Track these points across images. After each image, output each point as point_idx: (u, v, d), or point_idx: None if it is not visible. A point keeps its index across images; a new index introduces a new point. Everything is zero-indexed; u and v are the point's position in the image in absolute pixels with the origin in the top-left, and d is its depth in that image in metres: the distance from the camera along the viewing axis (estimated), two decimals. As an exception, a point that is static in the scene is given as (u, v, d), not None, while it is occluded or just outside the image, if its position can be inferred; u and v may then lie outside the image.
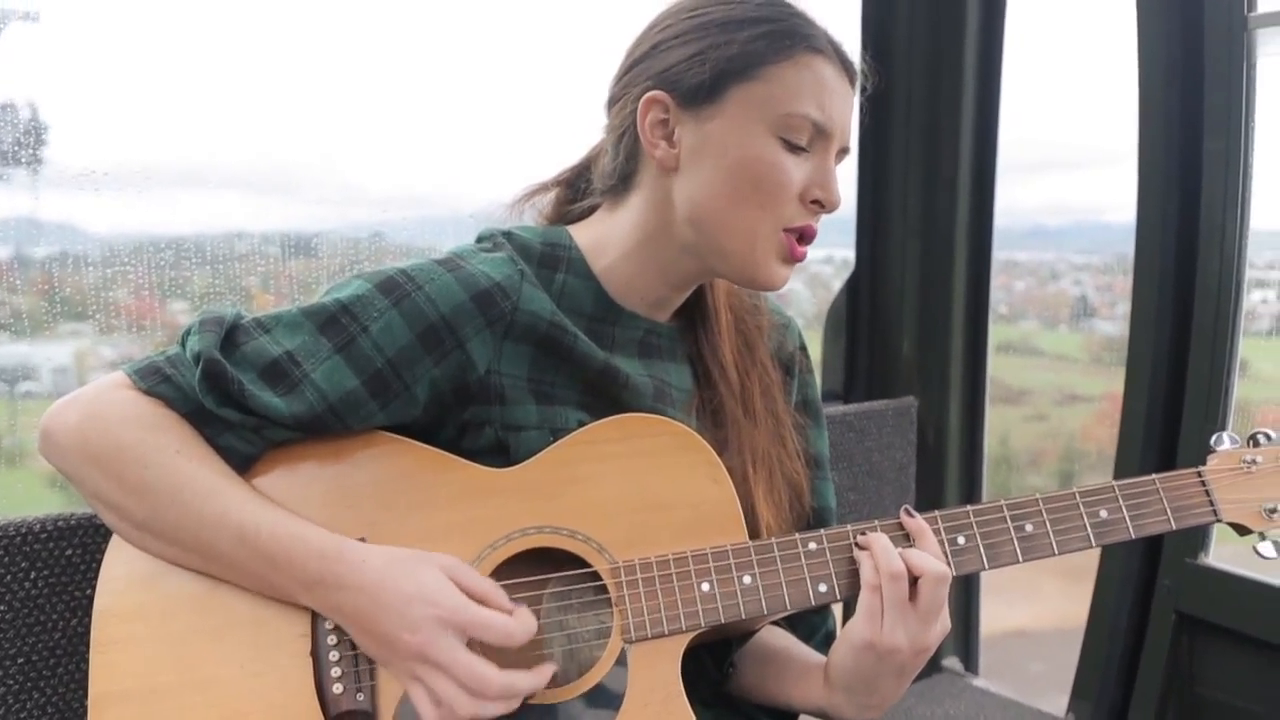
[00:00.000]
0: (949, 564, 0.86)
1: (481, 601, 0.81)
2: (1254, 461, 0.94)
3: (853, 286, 1.95)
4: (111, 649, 0.82)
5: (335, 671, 0.81)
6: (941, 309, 1.87)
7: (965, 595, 1.90)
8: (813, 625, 1.06)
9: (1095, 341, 2.10)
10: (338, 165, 1.49)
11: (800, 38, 0.89)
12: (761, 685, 0.98)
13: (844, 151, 0.93)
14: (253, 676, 0.81)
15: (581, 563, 0.87)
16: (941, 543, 0.88)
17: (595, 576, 0.87)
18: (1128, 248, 2.08)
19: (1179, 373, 1.54)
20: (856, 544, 0.88)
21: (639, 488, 0.89)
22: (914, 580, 0.84)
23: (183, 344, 0.86)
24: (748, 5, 0.90)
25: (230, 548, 0.81)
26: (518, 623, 0.81)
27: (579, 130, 1.54)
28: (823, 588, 0.87)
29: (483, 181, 1.58)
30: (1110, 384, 1.99)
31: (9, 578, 0.98)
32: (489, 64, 1.54)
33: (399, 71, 1.48)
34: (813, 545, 0.88)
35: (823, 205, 0.91)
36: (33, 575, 0.99)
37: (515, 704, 0.80)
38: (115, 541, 0.86)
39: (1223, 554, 1.51)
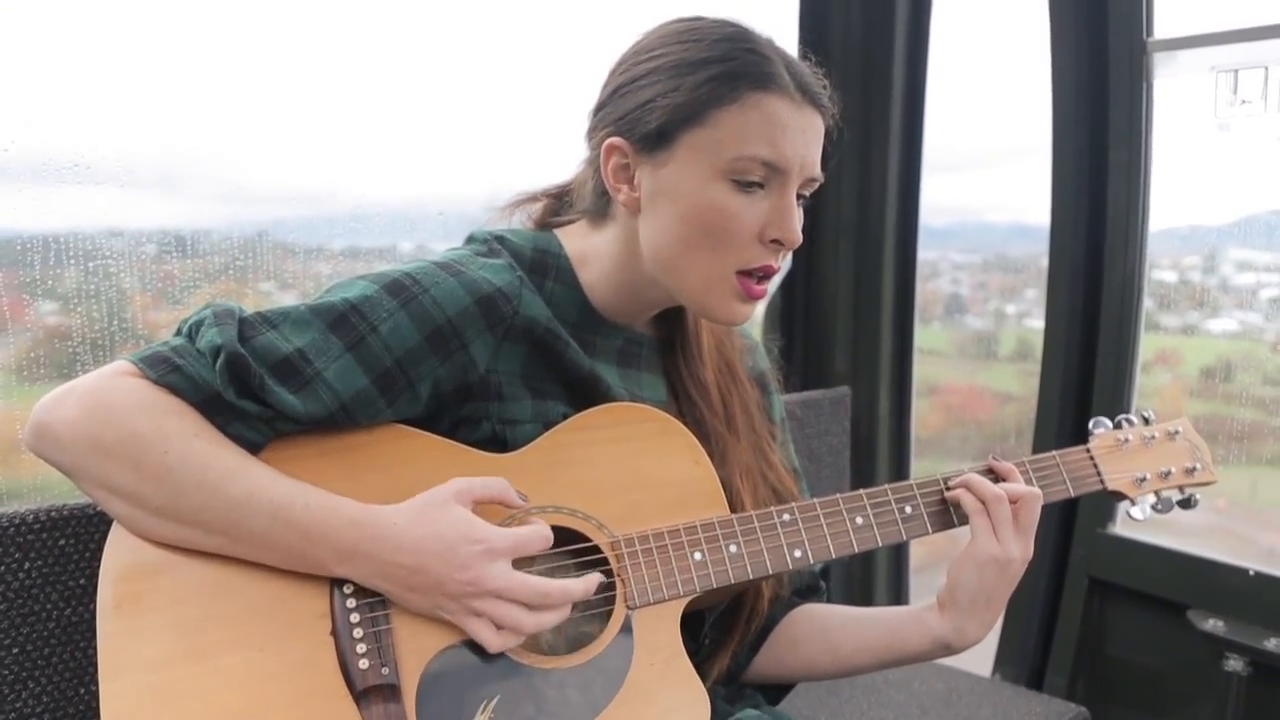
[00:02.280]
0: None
1: (500, 500, 0.88)
2: (1126, 440, 1.10)
3: (788, 285, 2.06)
4: (121, 639, 0.80)
5: (360, 648, 0.83)
6: (871, 305, 1.99)
7: (896, 569, 2.04)
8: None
9: (963, 337, 2.24)
10: (221, 160, 1.42)
11: (749, 78, 0.90)
12: (861, 648, 1.05)
13: (812, 181, 0.94)
14: (274, 660, 0.82)
15: (571, 541, 0.93)
16: (1028, 478, 1.04)
17: (576, 555, 0.93)
18: (1006, 247, 2.25)
19: (1088, 363, 1.70)
20: (948, 487, 1.01)
21: (629, 469, 0.96)
22: (1013, 503, 0.98)
23: (189, 336, 0.87)
24: (702, 44, 0.91)
25: (262, 525, 0.82)
26: (543, 526, 0.87)
27: (472, 128, 1.56)
28: (797, 553, 0.96)
29: (373, 179, 1.54)
30: (969, 377, 2.17)
31: (2, 569, 0.99)
32: (376, 57, 1.50)
33: (285, 63, 1.43)
34: (786, 517, 0.98)
35: (782, 243, 0.93)
36: (26, 566, 1.00)
37: (566, 612, 0.86)
38: (117, 533, 0.84)
39: (1129, 524, 1.68)
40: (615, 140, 0.94)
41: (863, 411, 1.98)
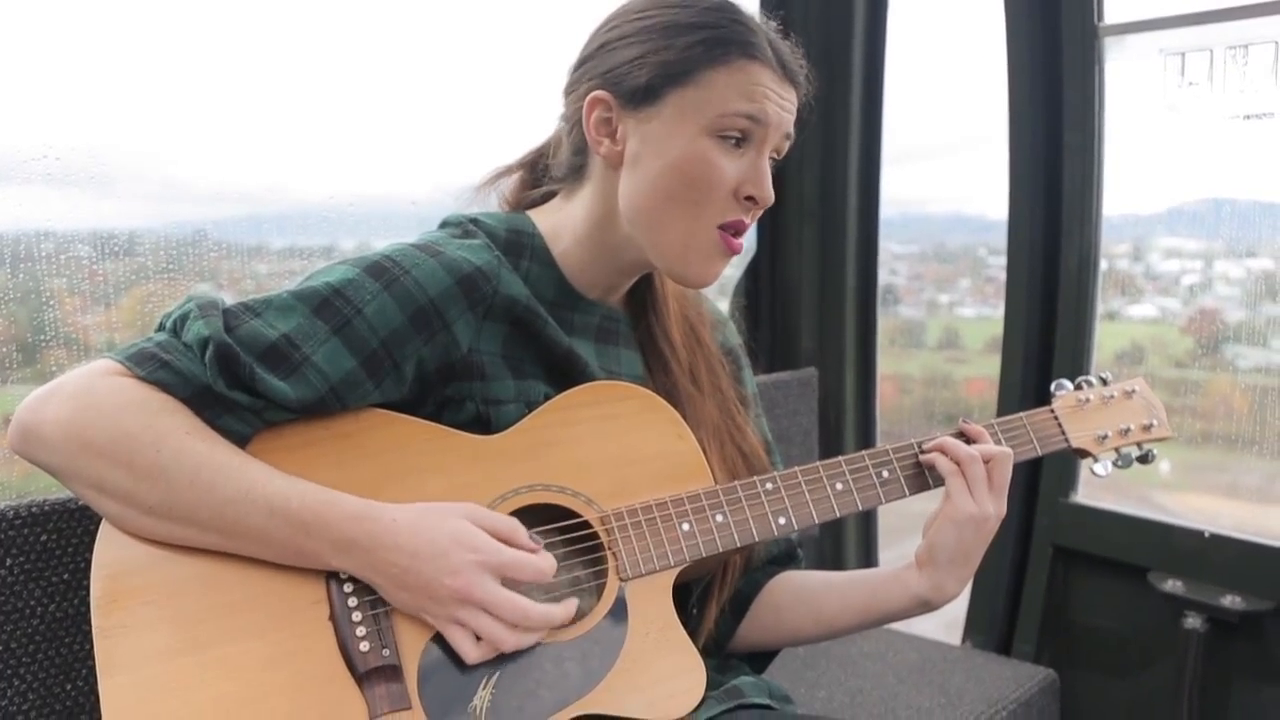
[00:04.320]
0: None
1: (507, 539, 0.87)
2: (1087, 400, 1.15)
3: (754, 268, 2.09)
4: (118, 634, 0.79)
5: (360, 631, 0.83)
6: (836, 287, 2.03)
7: (864, 542, 2.08)
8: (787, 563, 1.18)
9: (893, 326, 2.28)
10: (157, 158, 1.38)
11: (737, 45, 0.93)
12: (844, 610, 1.08)
13: (787, 138, 0.99)
14: (273, 647, 0.82)
15: (562, 518, 0.95)
16: (998, 439, 1.08)
17: (565, 531, 0.94)
18: (945, 237, 2.30)
19: (1048, 337, 1.75)
20: (923, 451, 1.04)
21: (615, 445, 0.97)
22: (986, 463, 1.02)
23: (174, 330, 0.86)
24: (691, 10, 0.95)
25: (260, 520, 0.82)
26: (544, 560, 0.87)
27: (414, 126, 1.54)
28: (781, 520, 0.99)
29: (314, 178, 1.52)
30: (896, 366, 2.23)
31: (-17, 565, 0.98)
32: (315, 55, 1.48)
33: (224, 59, 1.40)
34: (769, 485, 1.00)
35: (755, 200, 0.96)
36: (8, 562, 0.99)
37: (544, 634, 0.87)
38: (106, 531, 0.84)
39: (1091, 492, 1.74)
40: (600, 93, 0.96)
41: (829, 392, 2.02)
